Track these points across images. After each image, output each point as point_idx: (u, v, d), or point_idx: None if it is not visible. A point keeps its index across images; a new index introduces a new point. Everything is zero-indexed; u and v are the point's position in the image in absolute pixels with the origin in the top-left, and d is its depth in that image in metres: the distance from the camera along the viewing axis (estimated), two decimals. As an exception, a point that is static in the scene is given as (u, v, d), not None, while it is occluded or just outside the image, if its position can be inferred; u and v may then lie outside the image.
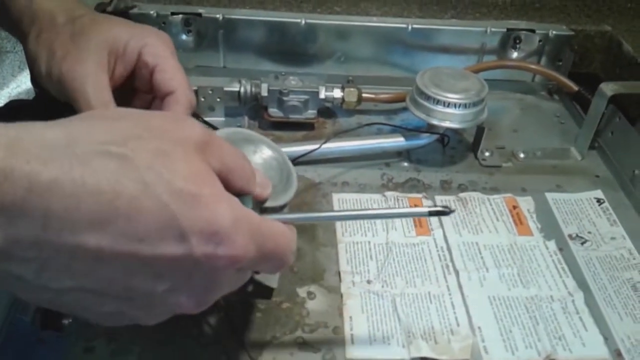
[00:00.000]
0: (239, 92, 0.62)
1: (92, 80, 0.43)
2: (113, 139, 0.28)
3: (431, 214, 0.35)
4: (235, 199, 0.31)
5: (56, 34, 0.44)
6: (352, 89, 0.63)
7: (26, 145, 0.25)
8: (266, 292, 0.41)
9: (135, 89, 0.47)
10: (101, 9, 0.68)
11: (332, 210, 0.37)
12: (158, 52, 0.45)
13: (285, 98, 0.61)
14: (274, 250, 0.32)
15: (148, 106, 0.47)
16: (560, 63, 0.72)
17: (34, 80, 0.49)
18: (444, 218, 0.53)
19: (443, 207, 0.35)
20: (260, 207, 0.35)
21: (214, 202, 0.29)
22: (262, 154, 0.39)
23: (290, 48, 0.70)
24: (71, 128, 0.28)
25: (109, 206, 0.26)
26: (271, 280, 0.41)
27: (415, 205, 0.54)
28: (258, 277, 0.40)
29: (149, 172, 0.27)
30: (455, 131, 0.63)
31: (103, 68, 0.44)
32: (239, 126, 0.63)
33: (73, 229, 0.26)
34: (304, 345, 0.42)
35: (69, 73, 0.43)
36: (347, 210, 0.39)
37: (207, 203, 0.28)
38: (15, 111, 0.57)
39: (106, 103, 0.43)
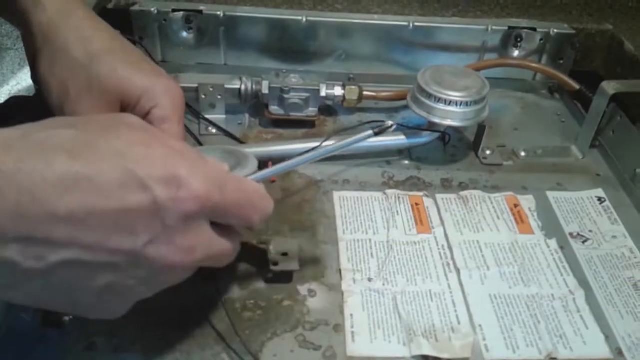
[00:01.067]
0: (239, 89, 0.62)
1: None
2: (61, 124, 0.32)
3: (376, 134, 0.42)
4: (191, 151, 0.34)
5: (71, 72, 0.44)
6: (353, 87, 0.63)
7: None
8: (286, 276, 0.45)
9: None
10: (102, 6, 0.67)
11: (285, 163, 0.43)
12: (166, 115, 0.45)
13: (286, 96, 0.61)
14: (240, 194, 0.35)
15: None
16: (562, 61, 0.72)
17: (34, 77, 0.48)
18: (445, 216, 0.53)
19: (382, 123, 0.41)
20: None
21: (166, 153, 0.32)
22: (216, 154, 0.43)
23: (291, 46, 0.69)
24: (23, 126, 0.31)
25: (68, 172, 0.29)
26: (290, 264, 0.45)
27: (416, 204, 0.54)
28: (276, 267, 0.45)
29: (99, 140, 0.31)
30: (456, 129, 0.63)
31: None
32: (240, 124, 0.63)
33: (43, 200, 0.28)
34: (304, 342, 0.42)
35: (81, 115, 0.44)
36: (301, 155, 0.44)
37: (160, 155, 0.32)
38: (16, 108, 0.57)
39: None
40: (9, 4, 0.46)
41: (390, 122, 0.40)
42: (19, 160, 0.28)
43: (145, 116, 0.45)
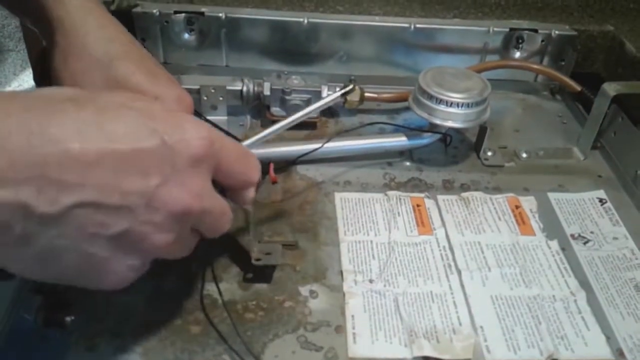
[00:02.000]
0: (241, 91, 0.62)
1: None
2: (61, 84, 0.37)
3: (343, 95, 0.51)
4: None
5: (87, 69, 0.44)
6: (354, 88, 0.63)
7: None
8: (268, 273, 0.46)
9: None
10: (104, 7, 0.68)
11: (272, 127, 0.49)
12: None
13: (287, 97, 0.61)
14: (236, 147, 0.38)
15: None
16: (563, 63, 0.72)
17: (36, 79, 0.49)
18: (446, 217, 0.53)
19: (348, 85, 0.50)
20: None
21: (166, 111, 0.35)
22: None
23: (292, 47, 0.69)
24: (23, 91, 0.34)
25: (77, 117, 0.30)
26: (273, 259, 0.46)
27: (418, 205, 0.54)
28: (259, 262, 0.45)
29: (100, 96, 0.33)
30: (457, 131, 0.63)
31: None
32: (241, 125, 0.63)
33: (55, 140, 0.29)
34: (306, 343, 0.42)
35: None
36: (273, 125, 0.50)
37: (162, 108, 0.34)
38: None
39: None
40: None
41: (353, 82, 0.49)
42: (26, 108, 0.29)
43: None
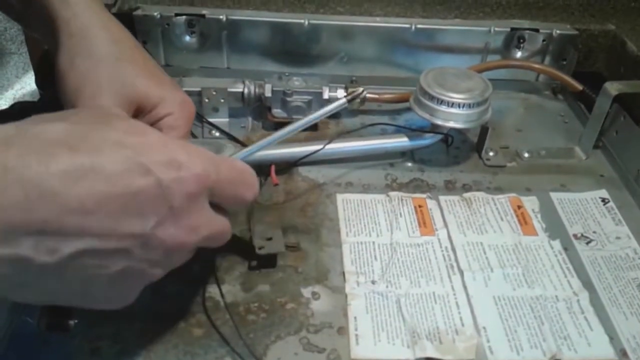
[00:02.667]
0: (242, 93, 0.62)
1: None
2: (54, 118, 0.33)
3: (348, 101, 0.47)
4: (181, 141, 0.37)
5: (94, 68, 0.44)
6: (355, 89, 0.63)
7: None
8: (272, 258, 0.47)
9: None
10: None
11: (266, 136, 0.46)
12: (178, 125, 0.46)
13: (288, 99, 0.61)
14: (233, 172, 0.37)
15: None
16: (564, 62, 0.71)
17: (38, 82, 0.49)
18: (448, 218, 0.53)
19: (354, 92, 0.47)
20: None
21: (162, 140, 0.34)
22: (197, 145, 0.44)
23: (293, 49, 0.70)
24: (16, 123, 0.31)
25: (72, 163, 0.30)
26: (275, 246, 0.47)
27: (420, 206, 0.54)
28: (262, 251, 0.46)
29: (94, 132, 0.32)
30: (459, 131, 0.63)
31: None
32: (243, 127, 0.63)
33: (52, 192, 0.29)
34: (308, 345, 0.42)
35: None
36: (278, 130, 0.48)
37: (156, 141, 0.34)
38: (21, 113, 0.57)
39: None
40: (30, 2, 0.45)
41: (362, 89, 0.46)
42: (21, 155, 0.29)
43: (156, 122, 0.46)
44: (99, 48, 0.44)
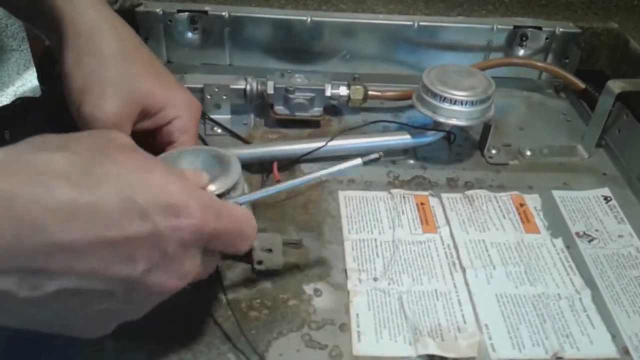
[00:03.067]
0: (245, 89, 0.62)
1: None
2: (54, 145, 0.30)
3: (365, 162, 0.41)
4: (185, 181, 0.34)
5: (101, 67, 0.43)
6: (358, 87, 0.63)
7: None
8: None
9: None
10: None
11: (274, 185, 0.42)
12: (186, 128, 0.47)
13: (291, 96, 0.61)
14: (232, 222, 0.36)
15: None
16: (567, 60, 0.71)
17: (40, 78, 0.49)
18: (450, 215, 0.53)
19: (373, 154, 0.41)
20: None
21: (165, 180, 0.32)
22: (200, 159, 0.42)
23: (296, 46, 0.69)
24: (13, 146, 0.30)
25: (69, 201, 0.28)
26: (275, 261, 0.46)
27: (422, 204, 0.54)
28: (261, 266, 0.46)
29: (95, 166, 0.30)
30: (461, 129, 0.62)
31: (130, 122, 0.44)
32: (245, 124, 0.63)
33: (43, 230, 0.28)
34: (310, 342, 0.42)
35: (97, 116, 0.43)
36: (287, 181, 0.43)
37: (159, 181, 0.32)
38: (23, 109, 0.57)
39: None
40: (35, 1, 0.45)
41: (378, 154, 0.41)
42: (16, 187, 0.27)
43: (165, 125, 0.46)
44: (105, 47, 0.44)
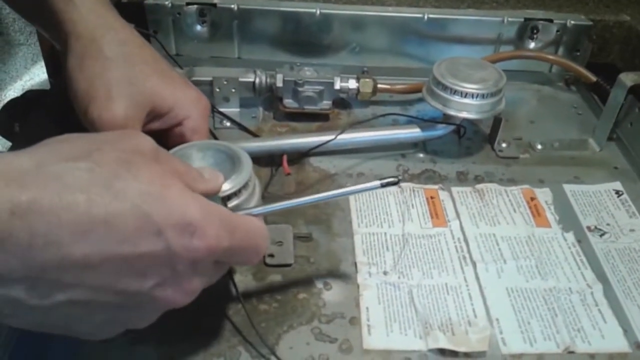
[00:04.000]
0: (253, 82, 0.62)
1: None
2: (77, 154, 0.30)
3: (383, 185, 0.40)
4: (201, 196, 0.33)
5: (103, 71, 0.43)
6: (367, 80, 0.63)
7: (1, 171, 0.27)
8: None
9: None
10: (115, 1, 0.67)
11: (291, 199, 0.41)
12: (198, 127, 0.46)
13: (300, 89, 0.61)
14: (246, 238, 0.35)
15: None
16: (578, 53, 0.71)
17: (50, 71, 0.49)
18: (460, 209, 0.53)
19: (392, 177, 0.40)
20: (225, 203, 0.38)
21: (182, 197, 0.32)
22: (210, 154, 0.41)
23: (305, 38, 0.69)
24: (36, 153, 0.30)
25: (87, 216, 0.28)
26: (285, 256, 0.46)
27: (432, 197, 0.54)
28: (272, 260, 0.46)
29: (116, 180, 0.30)
30: (471, 122, 0.62)
31: (139, 124, 0.44)
32: (254, 117, 0.63)
33: (57, 243, 0.27)
34: (320, 335, 0.42)
35: (105, 119, 0.42)
36: (304, 196, 0.41)
37: (176, 199, 0.31)
38: (34, 101, 0.57)
39: None
40: (39, 4, 0.45)
41: (397, 178, 0.40)
42: (34, 200, 0.27)
43: (176, 125, 0.46)
44: (107, 49, 0.44)
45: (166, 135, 0.47)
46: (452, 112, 0.56)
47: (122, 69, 0.43)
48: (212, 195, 0.36)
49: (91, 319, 0.32)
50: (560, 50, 0.71)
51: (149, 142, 0.33)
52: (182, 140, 0.46)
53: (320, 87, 0.61)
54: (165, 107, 0.45)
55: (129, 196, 0.30)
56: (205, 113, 0.48)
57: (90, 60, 0.43)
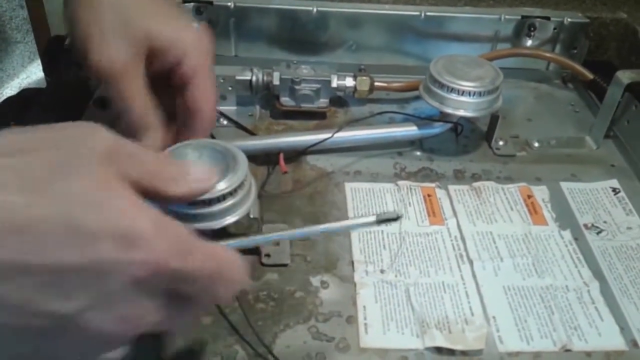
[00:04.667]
0: (250, 80, 0.61)
1: (130, 80, 0.42)
2: (9, 150, 0.27)
3: (379, 222, 0.36)
4: (156, 210, 0.28)
5: (97, 15, 0.42)
6: (364, 78, 0.63)
7: None
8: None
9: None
10: None
11: (278, 231, 0.40)
12: (198, 64, 0.44)
13: (297, 87, 0.61)
14: (208, 264, 0.30)
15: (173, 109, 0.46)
16: (575, 51, 0.71)
17: (46, 70, 0.48)
18: (457, 207, 0.53)
19: (392, 213, 0.36)
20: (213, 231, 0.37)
21: (126, 206, 0.27)
22: (206, 153, 0.40)
23: (302, 36, 0.69)
24: None
25: (2, 219, 0.25)
26: (282, 256, 0.46)
27: (429, 195, 0.54)
28: (269, 260, 0.45)
29: (45, 183, 0.26)
30: (468, 120, 0.62)
31: (139, 66, 0.42)
32: (251, 115, 0.63)
33: None
34: (317, 334, 0.42)
35: (104, 64, 0.41)
36: (290, 230, 0.41)
37: (116, 206, 0.27)
38: (29, 100, 0.57)
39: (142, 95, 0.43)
40: None
41: (396, 215, 0.36)
42: None
43: (175, 67, 0.44)
44: None
45: (170, 82, 0.45)
46: (449, 110, 0.56)
47: (116, 13, 0.42)
48: (198, 196, 0.34)
49: (11, 349, 0.27)
50: (557, 48, 0.71)
51: (104, 141, 0.29)
52: (182, 81, 0.44)
53: (317, 85, 0.61)
54: (163, 47, 0.43)
55: (57, 200, 0.26)
56: (206, 52, 0.45)
57: (85, 8, 0.42)
